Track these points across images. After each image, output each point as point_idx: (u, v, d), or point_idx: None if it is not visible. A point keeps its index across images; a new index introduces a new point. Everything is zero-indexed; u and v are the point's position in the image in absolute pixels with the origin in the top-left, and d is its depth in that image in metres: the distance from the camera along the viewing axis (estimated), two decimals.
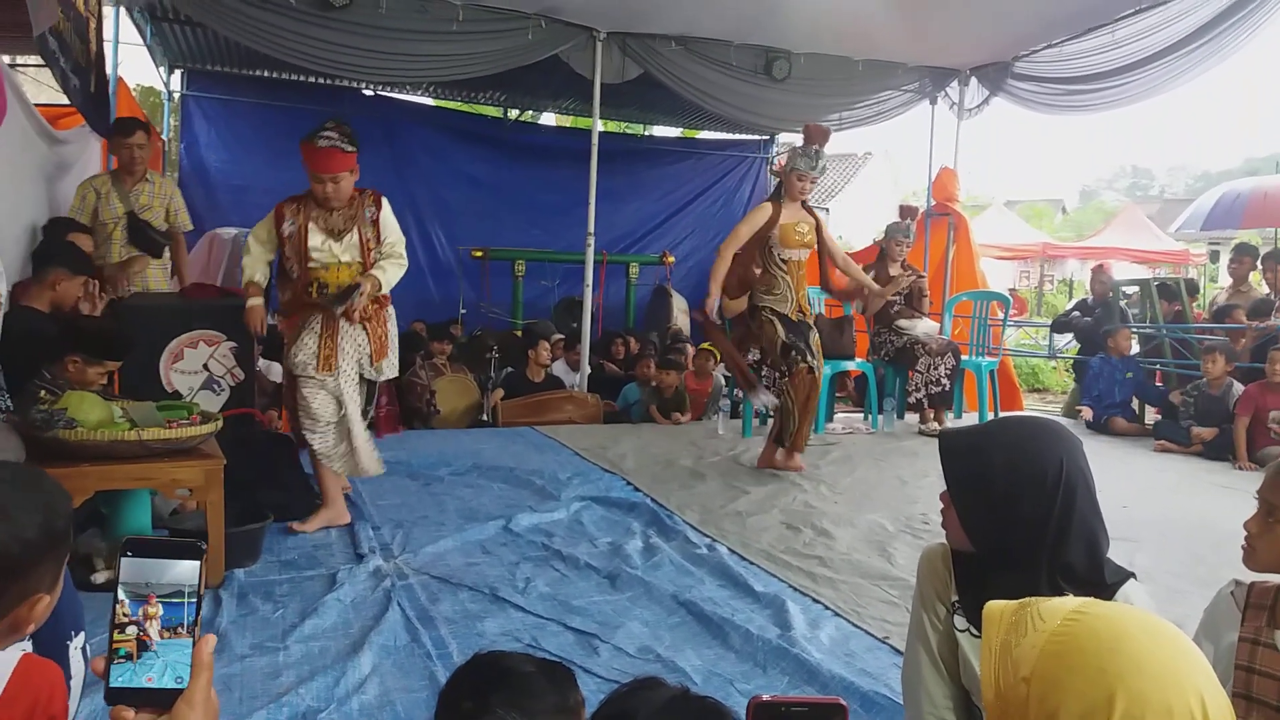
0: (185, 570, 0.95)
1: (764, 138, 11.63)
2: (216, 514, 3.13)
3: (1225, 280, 8.62)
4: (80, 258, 4.08)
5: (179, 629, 0.95)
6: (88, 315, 3.77)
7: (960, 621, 1.69)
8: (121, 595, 0.93)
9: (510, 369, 7.44)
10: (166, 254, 5.48)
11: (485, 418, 6.93)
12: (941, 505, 1.69)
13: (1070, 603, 0.97)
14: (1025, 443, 1.61)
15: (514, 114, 11.15)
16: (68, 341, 3.35)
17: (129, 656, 0.93)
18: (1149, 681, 0.86)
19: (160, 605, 0.94)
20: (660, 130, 12.32)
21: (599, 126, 7.86)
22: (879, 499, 4.73)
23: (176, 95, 9.47)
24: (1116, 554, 1.70)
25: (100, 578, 3.04)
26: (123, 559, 0.94)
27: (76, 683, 1.60)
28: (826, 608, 3.15)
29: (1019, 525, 1.56)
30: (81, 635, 1.68)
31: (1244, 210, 10.32)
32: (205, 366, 4.33)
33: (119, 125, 5.46)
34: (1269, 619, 1.63)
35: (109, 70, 6.60)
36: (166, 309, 4.58)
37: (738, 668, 2.68)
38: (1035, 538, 1.55)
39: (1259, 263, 7.57)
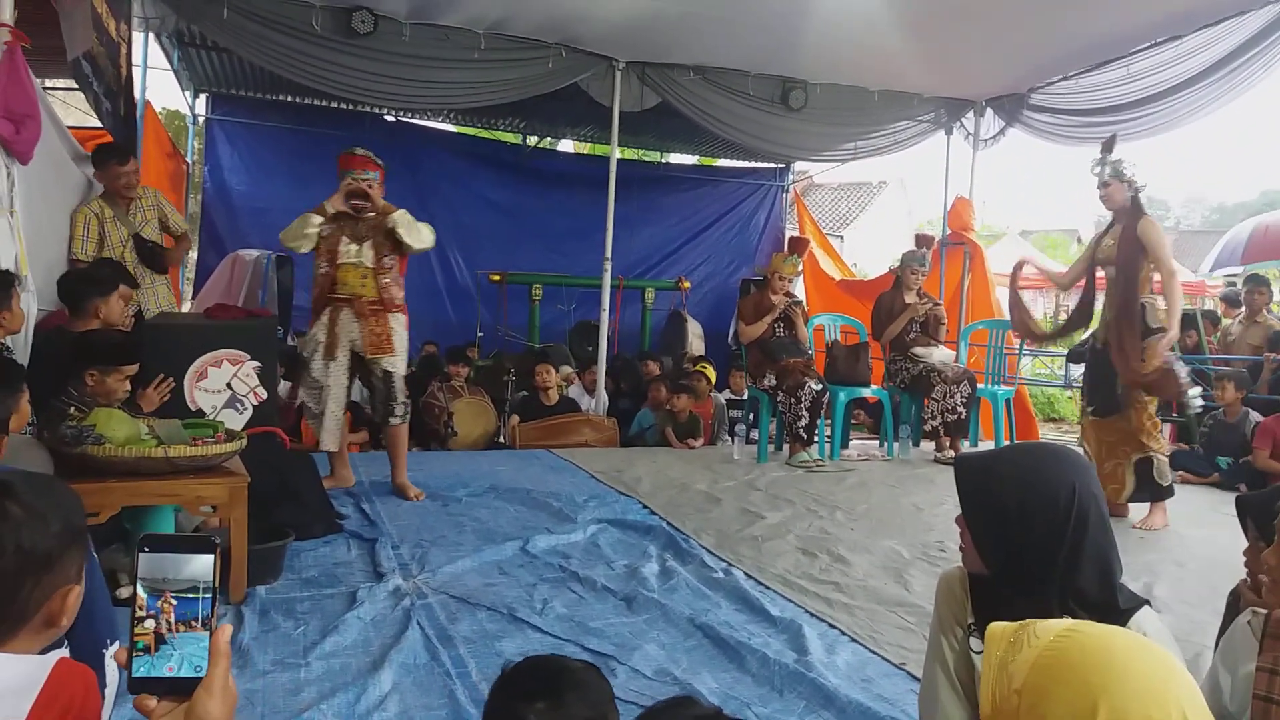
0: (200, 565, 1.00)
1: (780, 166, 11.70)
2: (240, 531, 3.16)
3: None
4: (103, 277, 4.11)
5: (195, 622, 0.99)
6: (97, 329, 3.82)
7: (976, 644, 1.70)
8: (140, 590, 0.98)
9: (526, 392, 7.48)
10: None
11: (502, 440, 6.97)
12: (959, 529, 1.71)
13: (1065, 622, 1.02)
14: (1038, 467, 1.63)
15: (533, 141, 11.27)
16: (82, 356, 3.40)
17: (147, 649, 0.98)
18: (1131, 696, 0.91)
19: (177, 600, 0.98)
20: (677, 158, 12.41)
21: (617, 154, 7.95)
22: (895, 526, 4.74)
23: (201, 119, 9.62)
24: (1133, 584, 1.72)
25: (125, 592, 3.07)
26: (140, 555, 0.99)
27: (111, 690, 1.63)
28: (843, 633, 3.15)
29: (1031, 549, 1.58)
30: (116, 644, 1.72)
31: (1244, 248, 10.41)
32: (229, 385, 4.38)
33: (115, 154, 5.12)
34: None
35: (137, 94, 6.73)
36: (191, 329, 4.65)
37: (754, 691, 2.69)
38: (1047, 561, 1.57)
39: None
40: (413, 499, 4.78)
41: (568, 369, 8.51)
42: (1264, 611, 1.72)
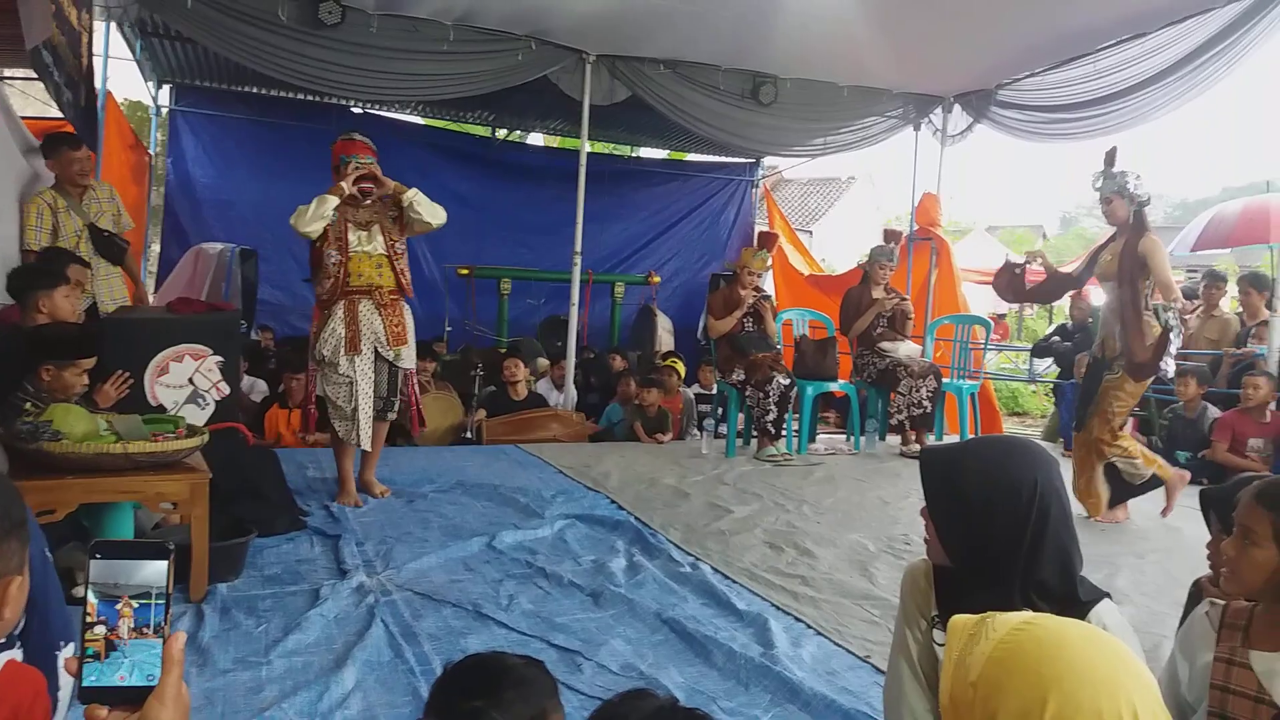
0: (154, 571, 0.97)
1: (750, 161, 11.72)
2: (201, 528, 3.12)
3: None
4: (48, 270, 4.04)
5: (148, 629, 0.97)
6: (52, 323, 3.75)
7: (939, 636, 1.71)
8: (91, 596, 0.96)
9: (493, 387, 7.45)
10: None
11: (469, 435, 6.93)
12: (924, 521, 1.72)
13: (1022, 615, 1.02)
14: (1001, 459, 1.65)
15: (502, 134, 11.21)
16: (37, 351, 3.34)
17: (97, 656, 0.95)
18: (1082, 687, 0.91)
19: (130, 605, 0.96)
20: (647, 152, 12.42)
21: (587, 147, 7.92)
22: (861, 519, 4.76)
23: (164, 110, 9.49)
24: (1094, 575, 1.73)
25: (82, 591, 3.02)
26: (91, 561, 0.96)
27: (65, 692, 1.60)
28: (809, 626, 3.17)
29: (993, 540, 1.60)
30: (70, 645, 1.68)
31: (1197, 237, 10.65)
32: (190, 381, 4.32)
33: (67, 141, 5.05)
34: (1243, 639, 1.66)
35: (98, 84, 6.61)
36: (152, 323, 4.57)
37: (720, 685, 2.69)
38: (1009, 553, 1.59)
39: (1236, 286, 7.70)
40: (379, 496, 4.73)
41: (544, 361, 8.48)
42: (1222, 603, 1.74)
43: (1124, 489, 4.88)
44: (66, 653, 1.66)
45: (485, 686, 1.37)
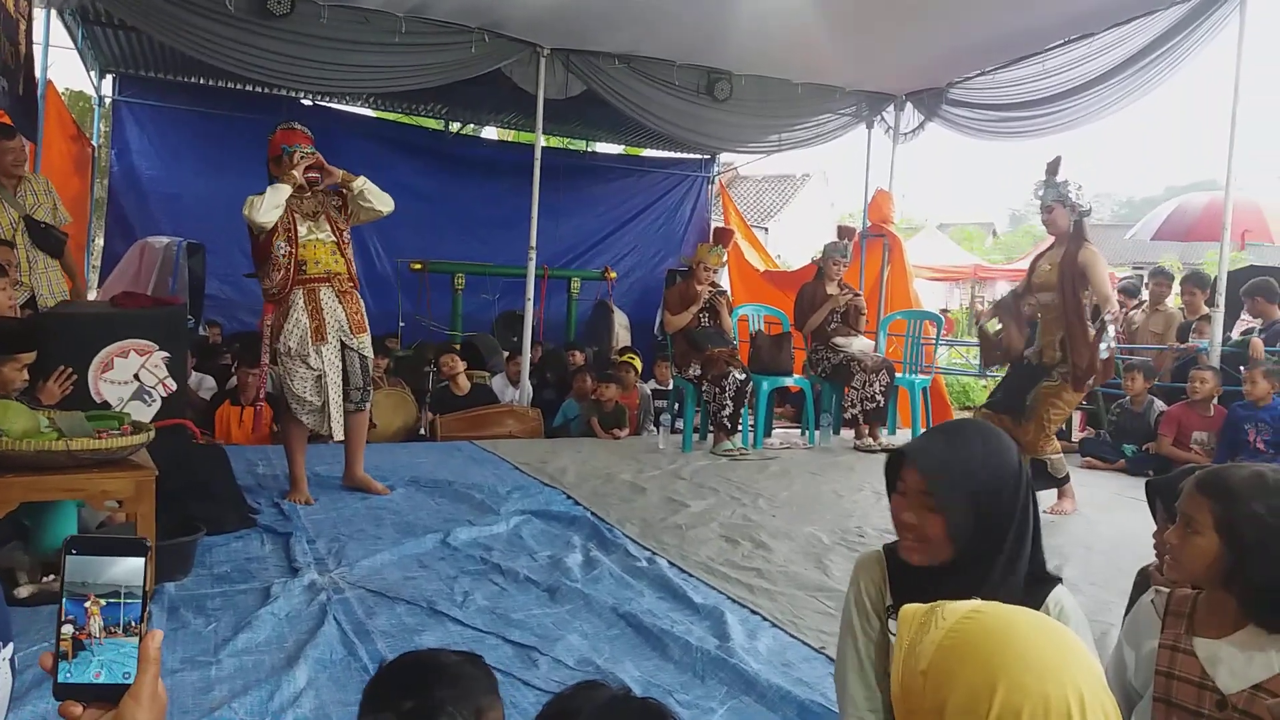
0: (129, 568, 0.96)
1: (705, 157, 11.74)
2: (147, 526, 3.05)
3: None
4: None
5: (118, 627, 0.95)
6: None
7: (895, 627, 1.72)
8: (65, 594, 0.93)
9: (446, 383, 7.39)
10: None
11: (423, 432, 6.87)
12: (910, 519, 1.65)
13: (972, 604, 1.03)
14: (992, 440, 1.65)
15: (455, 127, 11.11)
16: None
17: (65, 655, 0.94)
18: (1030, 674, 0.91)
19: (104, 602, 0.94)
20: (603, 147, 12.37)
21: (542, 141, 7.88)
22: (816, 512, 4.79)
23: (108, 100, 9.27)
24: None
25: (24, 592, 2.95)
26: (67, 558, 0.94)
27: (3, 694, 1.55)
28: (764, 619, 3.18)
29: (998, 520, 1.60)
30: (10, 647, 1.63)
31: (1157, 228, 10.92)
32: (136, 377, 4.21)
33: (0, 131, 4.98)
34: (1188, 626, 1.69)
35: (38, 73, 6.45)
36: (96, 318, 4.46)
37: (677, 678, 2.69)
38: (1011, 531, 1.60)
39: (1179, 285, 7.87)
40: (381, 492, 4.70)
41: (507, 354, 8.41)
42: (1166, 591, 1.77)
43: (1046, 479, 4.94)
44: (5, 654, 1.61)
45: (420, 685, 1.34)
